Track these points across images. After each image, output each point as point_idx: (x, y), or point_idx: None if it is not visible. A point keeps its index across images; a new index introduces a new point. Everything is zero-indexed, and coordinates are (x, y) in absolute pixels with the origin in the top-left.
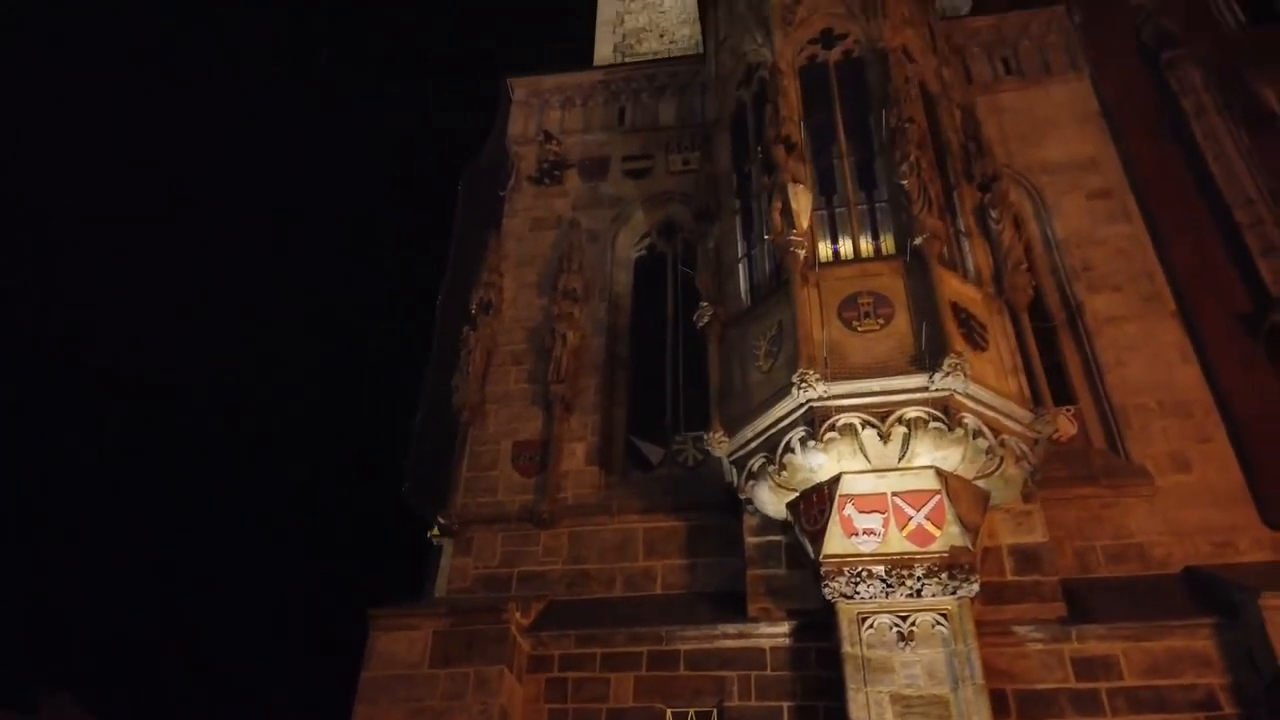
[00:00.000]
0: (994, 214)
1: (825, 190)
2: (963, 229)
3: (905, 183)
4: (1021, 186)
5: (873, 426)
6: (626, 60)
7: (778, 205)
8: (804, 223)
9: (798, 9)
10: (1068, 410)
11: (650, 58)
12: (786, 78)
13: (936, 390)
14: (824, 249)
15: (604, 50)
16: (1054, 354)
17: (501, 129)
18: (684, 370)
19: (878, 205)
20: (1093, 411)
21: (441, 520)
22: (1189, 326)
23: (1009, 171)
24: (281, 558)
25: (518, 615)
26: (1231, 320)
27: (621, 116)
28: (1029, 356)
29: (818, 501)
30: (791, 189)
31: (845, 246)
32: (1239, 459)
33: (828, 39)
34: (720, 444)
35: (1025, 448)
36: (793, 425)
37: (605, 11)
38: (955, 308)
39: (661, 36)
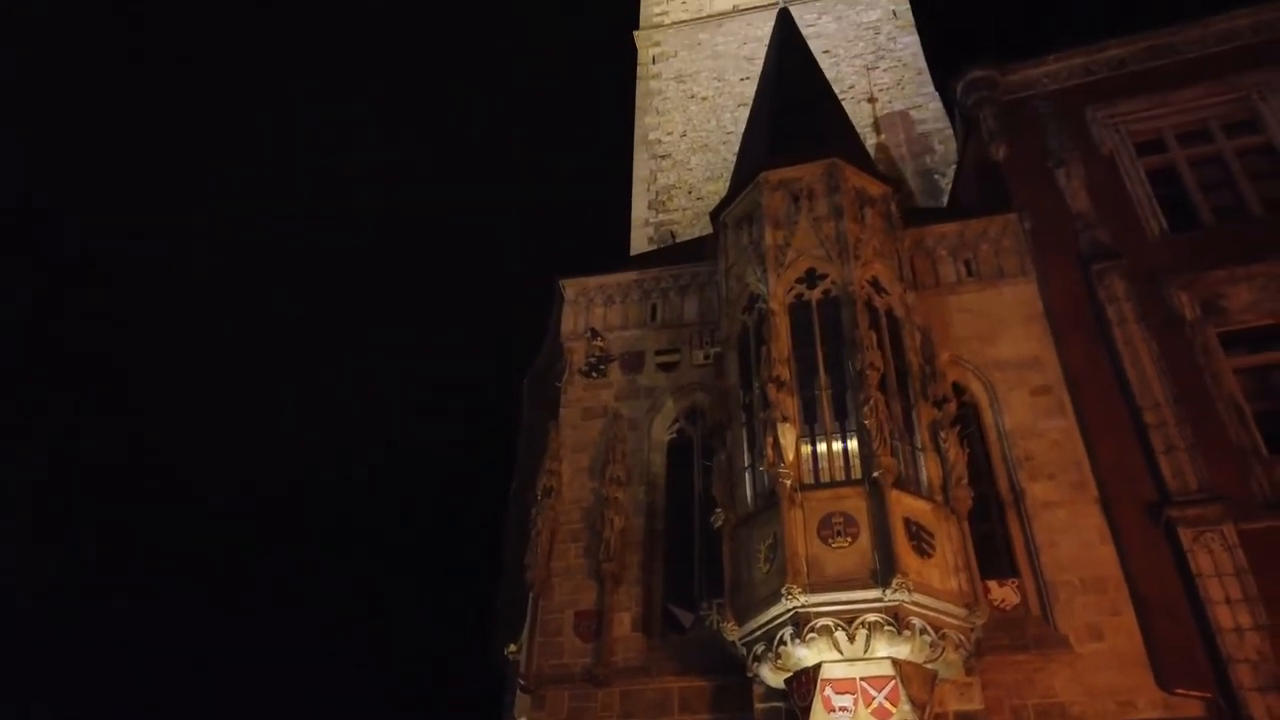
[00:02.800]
0: (943, 434)
1: (809, 418)
2: (919, 445)
3: (867, 423)
4: (979, 381)
5: (843, 629)
6: (660, 216)
7: (770, 440)
8: (790, 456)
9: (788, 251)
10: (1012, 582)
11: (677, 215)
12: (778, 316)
13: (889, 601)
14: (807, 471)
15: (639, 207)
16: (1004, 528)
17: (556, 325)
18: (707, 542)
19: (848, 434)
20: (1031, 585)
21: (521, 681)
22: (1108, 512)
23: (969, 367)
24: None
25: None
26: (1140, 508)
27: (653, 313)
28: (976, 550)
29: (805, 682)
30: (780, 427)
31: (824, 468)
32: (1141, 630)
33: (811, 278)
34: (732, 631)
35: (963, 637)
36: (784, 624)
37: (640, 169)
38: (908, 523)
39: (689, 193)
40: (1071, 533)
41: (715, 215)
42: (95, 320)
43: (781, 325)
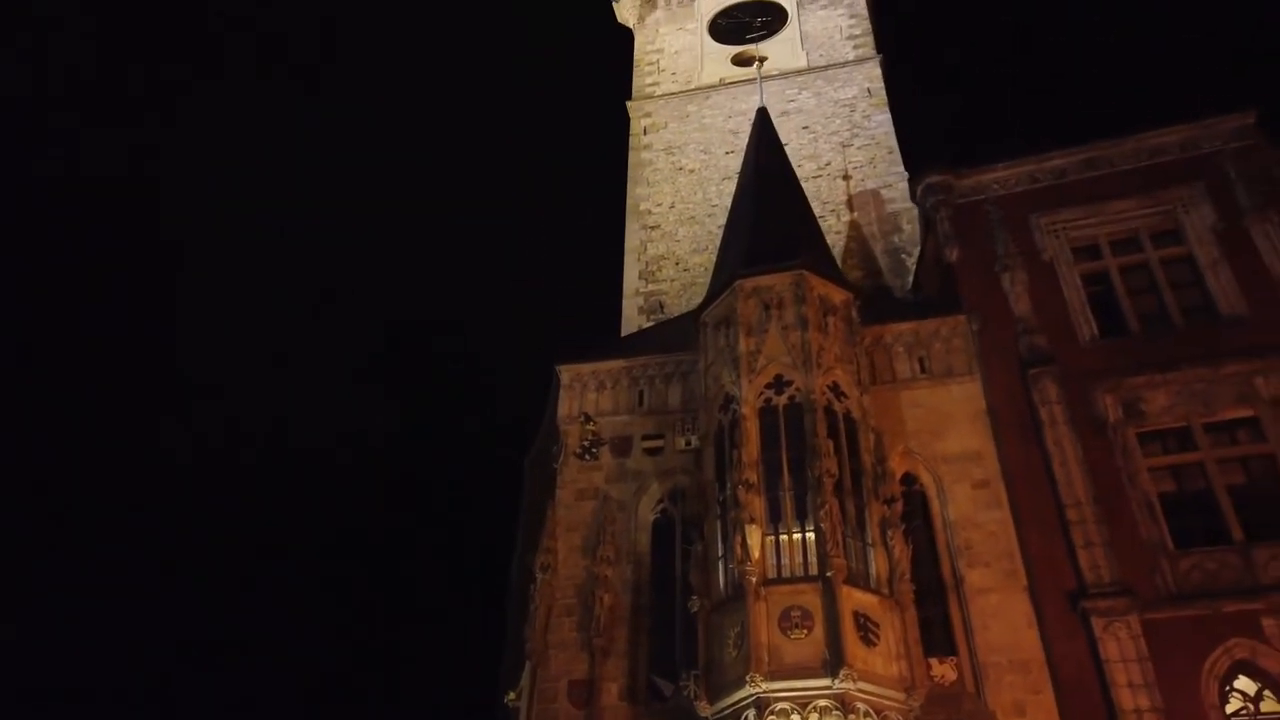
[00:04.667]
0: (890, 531)
1: (774, 516)
2: (870, 540)
3: (823, 525)
4: (929, 473)
5: (798, 712)
6: (650, 287)
7: (738, 539)
8: (756, 554)
9: (759, 358)
10: (951, 660)
11: (666, 286)
12: (749, 421)
13: (837, 689)
14: (771, 566)
15: (631, 276)
16: (946, 610)
17: (554, 409)
18: (687, 616)
19: (808, 531)
20: (967, 663)
21: None
22: (1034, 599)
23: (920, 459)
24: None
25: None
26: (1062, 597)
27: (641, 399)
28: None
29: None
30: (748, 528)
31: (786, 563)
32: (1059, 708)
33: (779, 384)
34: (705, 709)
35: (901, 716)
36: (748, 706)
37: (632, 240)
38: (857, 615)
39: (677, 264)
40: (1002, 617)
41: (697, 314)
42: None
43: (752, 429)
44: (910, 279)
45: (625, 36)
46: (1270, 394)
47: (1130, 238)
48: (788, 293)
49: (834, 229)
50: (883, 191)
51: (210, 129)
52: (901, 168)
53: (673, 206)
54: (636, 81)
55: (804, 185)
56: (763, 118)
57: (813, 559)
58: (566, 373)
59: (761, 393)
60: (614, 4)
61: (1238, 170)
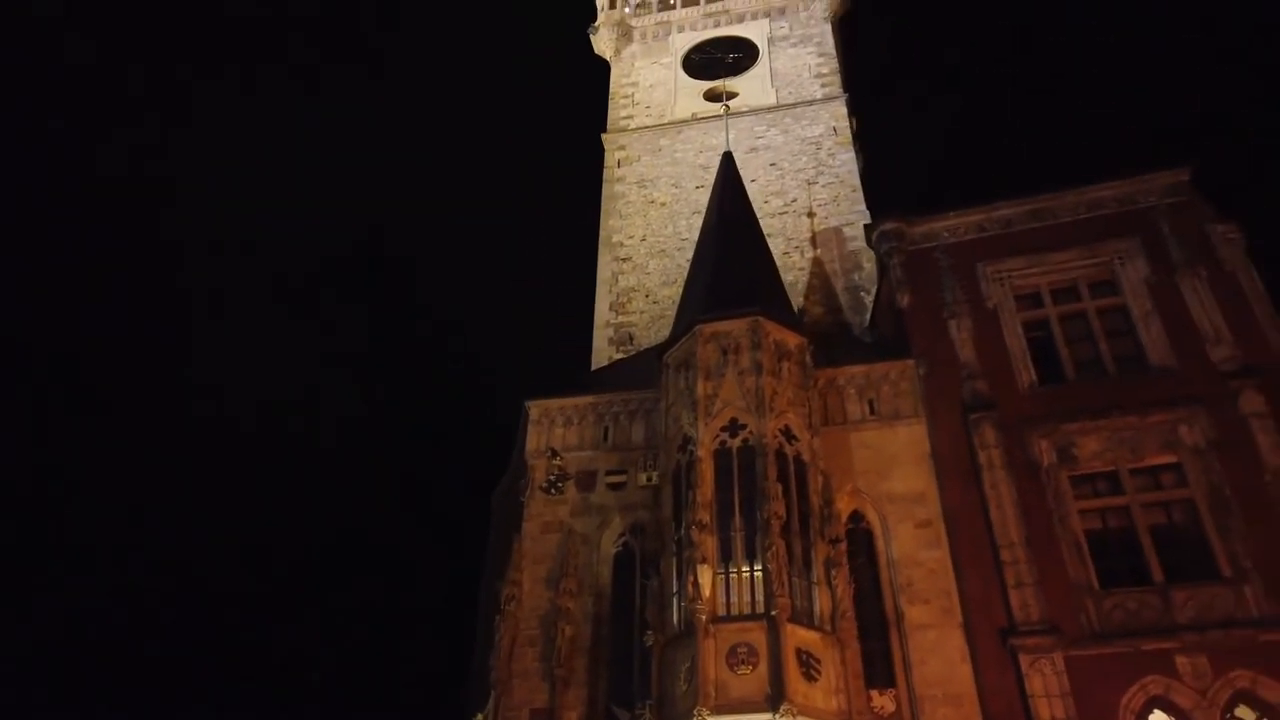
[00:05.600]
0: (834, 571)
1: (725, 554)
2: (815, 579)
3: (770, 566)
4: (875, 511)
5: None
6: (620, 318)
7: (691, 578)
8: (707, 593)
9: (715, 401)
10: (890, 692)
11: (635, 318)
12: (704, 463)
13: None
14: (720, 604)
15: (602, 308)
16: (887, 644)
17: (522, 443)
18: (644, 647)
19: (756, 571)
20: (905, 696)
21: None
22: (968, 636)
23: (868, 498)
24: None
25: None
26: (994, 633)
27: (606, 435)
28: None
29: None
30: (700, 568)
31: (735, 600)
32: None
33: (734, 427)
34: None
35: None
36: None
37: (604, 271)
38: (799, 652)
39: (647, 296)
40: (938, 652)
41: (660, 355)
42: None
43: (707, 471)
44: (869, 316)
45: (604, 69)
46: (1192, 441)
47: (1070, 287)
48: (744, 338)
49: (798, 265)
50: (845, 229)
51: (210, 128)
52: (863, 206)
53: (644, 239)
54: (612, 114)
55: (770, 221)
56: (727, 161)
57: (760, 597)
58: (535, 408)
59: (717, 435)
60: (591, 36)
61: (1170, 225)
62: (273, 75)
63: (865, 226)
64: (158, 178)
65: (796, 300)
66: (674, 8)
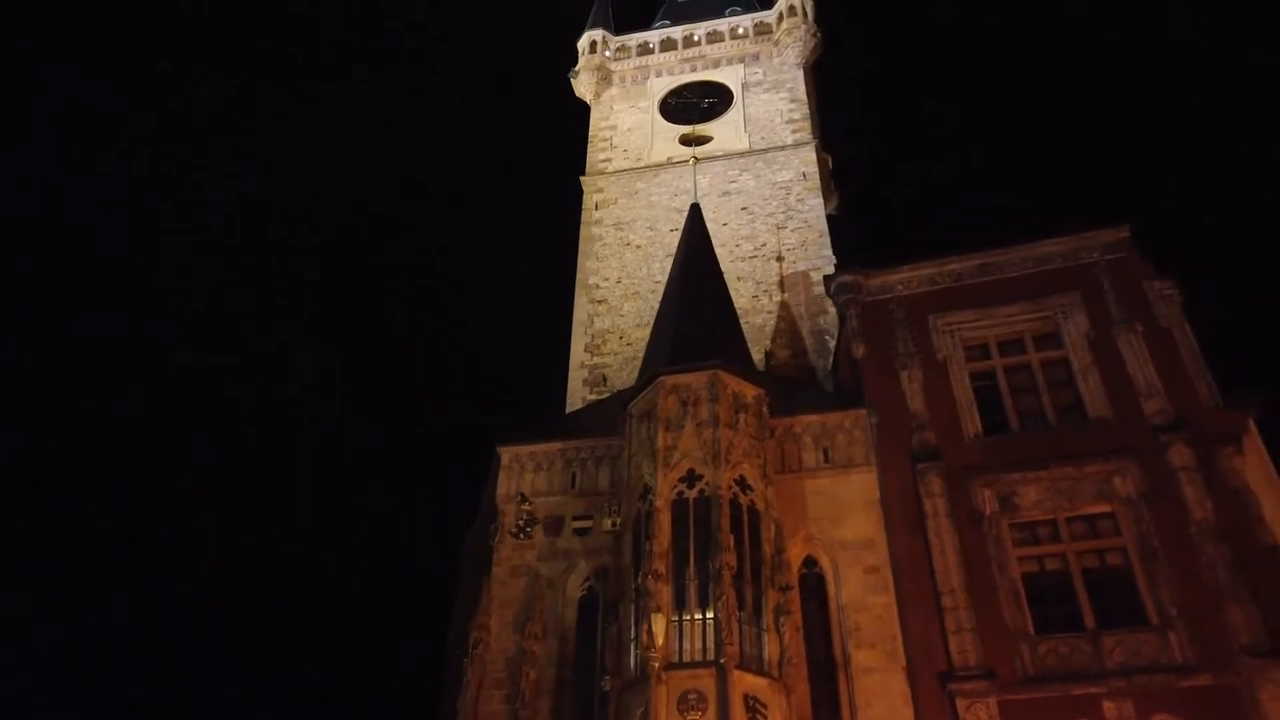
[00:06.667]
0: (783, 619)
1: (679, 602)
2: (765, 626)
3: (720, 615)
4: (827, 557)
5: None
6: (594, 359)
7: (646, 626)
8: (660, 641)
9: (674, 453)
10: None
11: (609, 359)
12: (662, 514)
13: None
14: (674, 651)
15: (578, 349)
16: (835, 686)
17: (493, 488)
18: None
19: (708, 618)
20: None
21: None
22: (911, 680)
23: (820, 544)
24: None
25: None
26: (933, 678)
27: (573, 481)
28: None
29: None
30: (654, 617)
31: (688, 647)
32: None
33: (691, 478)
34: None
35: None
36: None
37: (580, 312)
38: (747, 698)
39: (621, 338)
40: (883, 695)
41: (625, 404)
42: None
43: (664, 521)
44: (832, 360)
45: (585, 111)
46: (1125, 492)
47: (1016, 339)
48: (703, 390)
49: (766, 308)
50: (812, 274)
51: (208, 128)
52: (830, 251)
53: (619, 281)
54: (590, 157)
55: (741, 265)
56: (695, 213)
57: (711, 644)
58: (506, 453)
59: (675, 486)
60: (572, 80)
61: (1110, 281)
62: (271, 95)
63: (825, 277)
64: (151, 176)
65: (764, 343)
66: (653, 53)
